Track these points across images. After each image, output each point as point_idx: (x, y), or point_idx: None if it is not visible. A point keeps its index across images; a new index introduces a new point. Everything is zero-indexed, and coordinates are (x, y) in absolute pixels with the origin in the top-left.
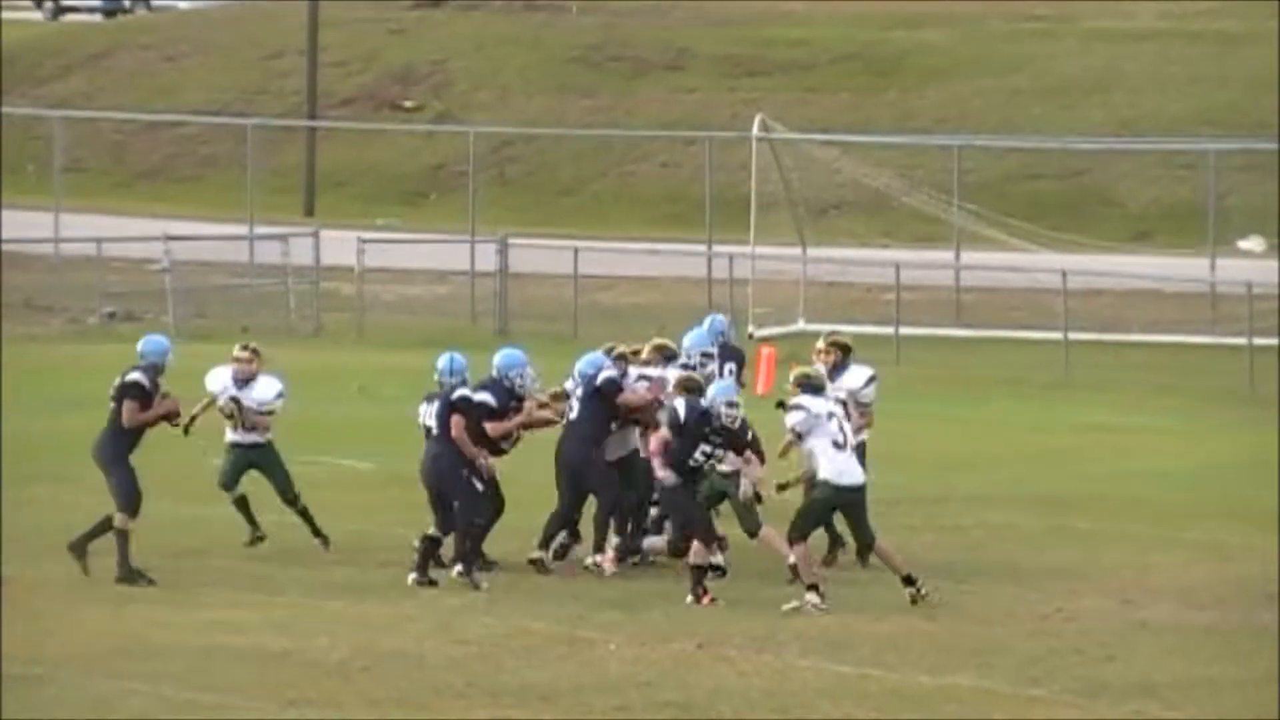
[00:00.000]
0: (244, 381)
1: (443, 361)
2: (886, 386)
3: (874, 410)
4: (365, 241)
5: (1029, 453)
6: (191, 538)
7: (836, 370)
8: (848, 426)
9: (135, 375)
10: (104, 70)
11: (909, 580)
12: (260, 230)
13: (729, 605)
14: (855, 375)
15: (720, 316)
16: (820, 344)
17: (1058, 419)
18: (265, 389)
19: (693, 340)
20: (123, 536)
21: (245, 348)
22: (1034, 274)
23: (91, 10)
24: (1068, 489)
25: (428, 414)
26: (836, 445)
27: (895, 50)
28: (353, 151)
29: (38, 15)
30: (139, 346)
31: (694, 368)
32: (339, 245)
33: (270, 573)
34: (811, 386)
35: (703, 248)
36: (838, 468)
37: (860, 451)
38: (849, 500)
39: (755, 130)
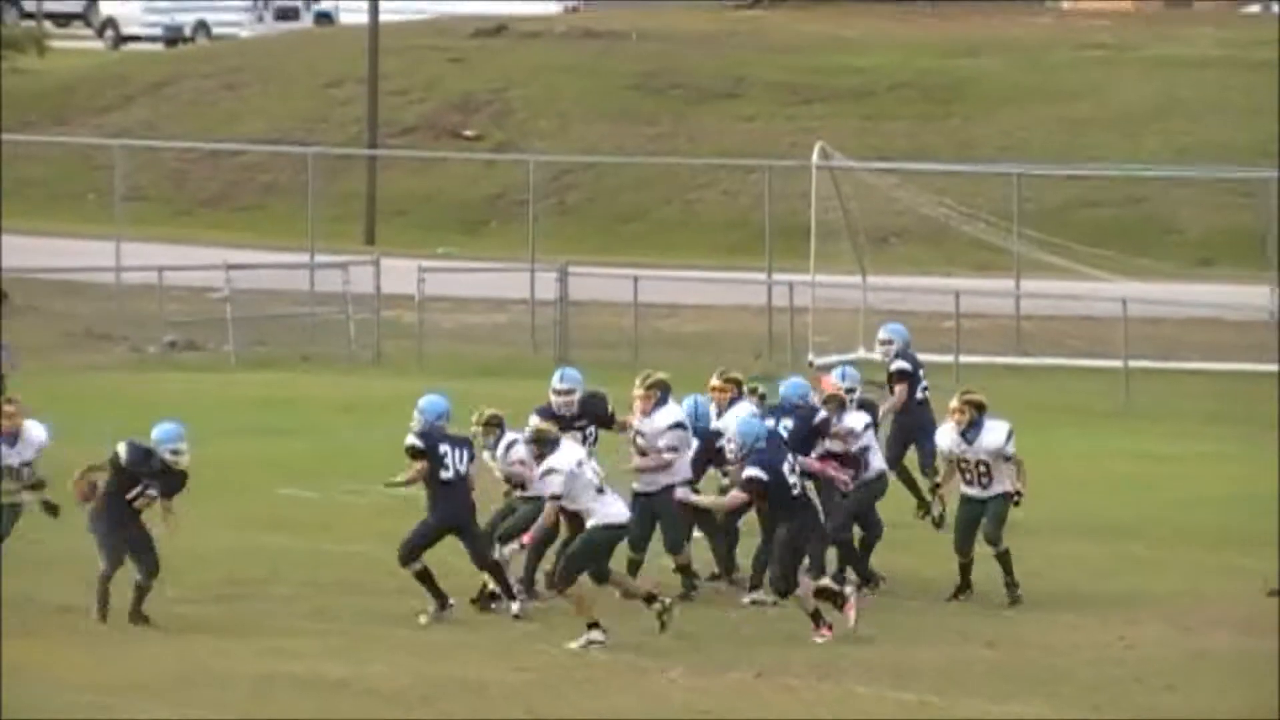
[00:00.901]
0: (11, 438)
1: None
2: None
3: (1019, 459)
4: (425, 270)
5: (1089, 480)
6: (251, 567)
7: (972, 428)
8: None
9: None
10: (165, 99)
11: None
12: (321, 259)
13: (788, 634)
14: (995, 433)
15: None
16: (954, 403)
17: (1117, 447)
18: (28, 443)
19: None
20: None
21: (8, 401)
22: (1094, 302)
23: (152, 40)
24: (1127, 517)
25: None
26: (599, 490)
27: (954, 78)
28: (413, 180)
29: (99, 45)
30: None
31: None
32: (399, 274)
33: (328, 601)
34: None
35: (763, 276)
36: (606, 510)
37: (1001, 504)
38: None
39: (815, 158)
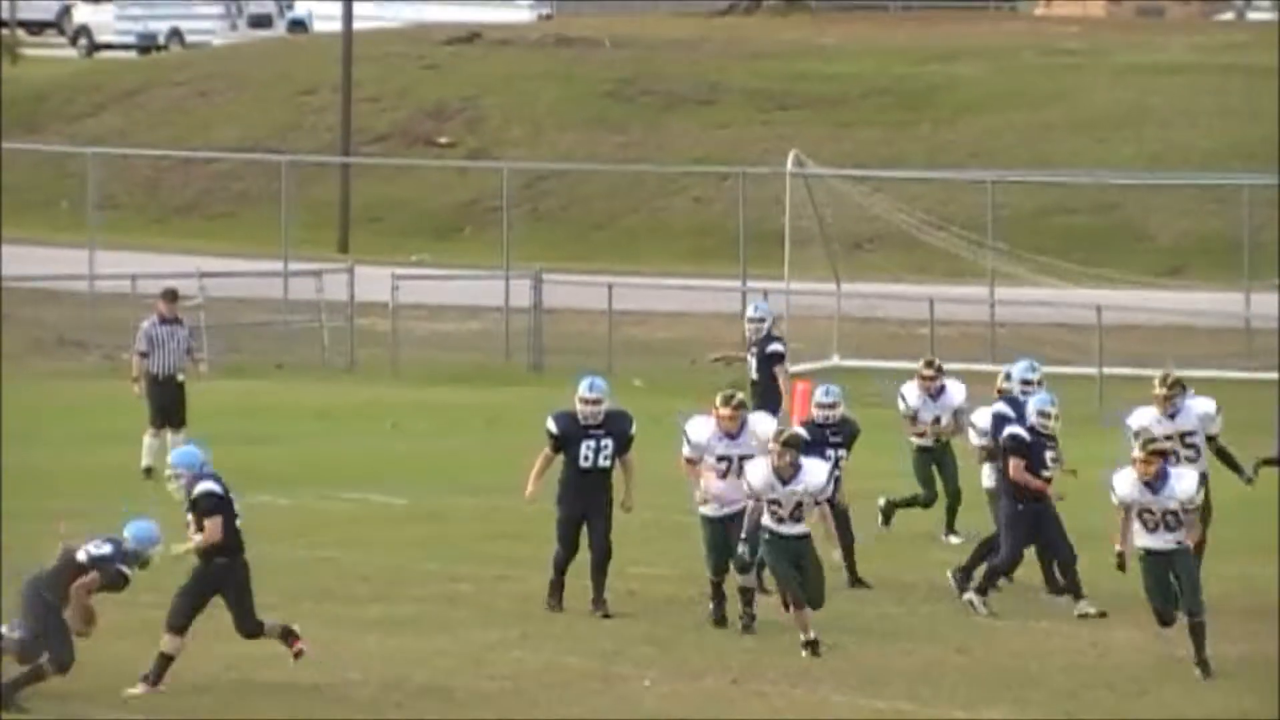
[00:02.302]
0: None
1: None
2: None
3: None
4: (399, 277)
5: (1062, 487)
6: None
7: (1159, 480)
8: None
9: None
10: (138, 107)
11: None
12: (294, 266)
13: (763, 640)
14: (1187, 482)
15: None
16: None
17: (1091, 453)
18: None
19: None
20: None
21: None
22: (1068, 309)
23: (126, 47)
24: (1101, 523)
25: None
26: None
27: (927, 84)
28: (387, 187)
29: (72, 52)
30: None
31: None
32: (373, 281)
33: (301, 608)
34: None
35: (736, 283)
36: None
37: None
38: None
39: (789, 165)
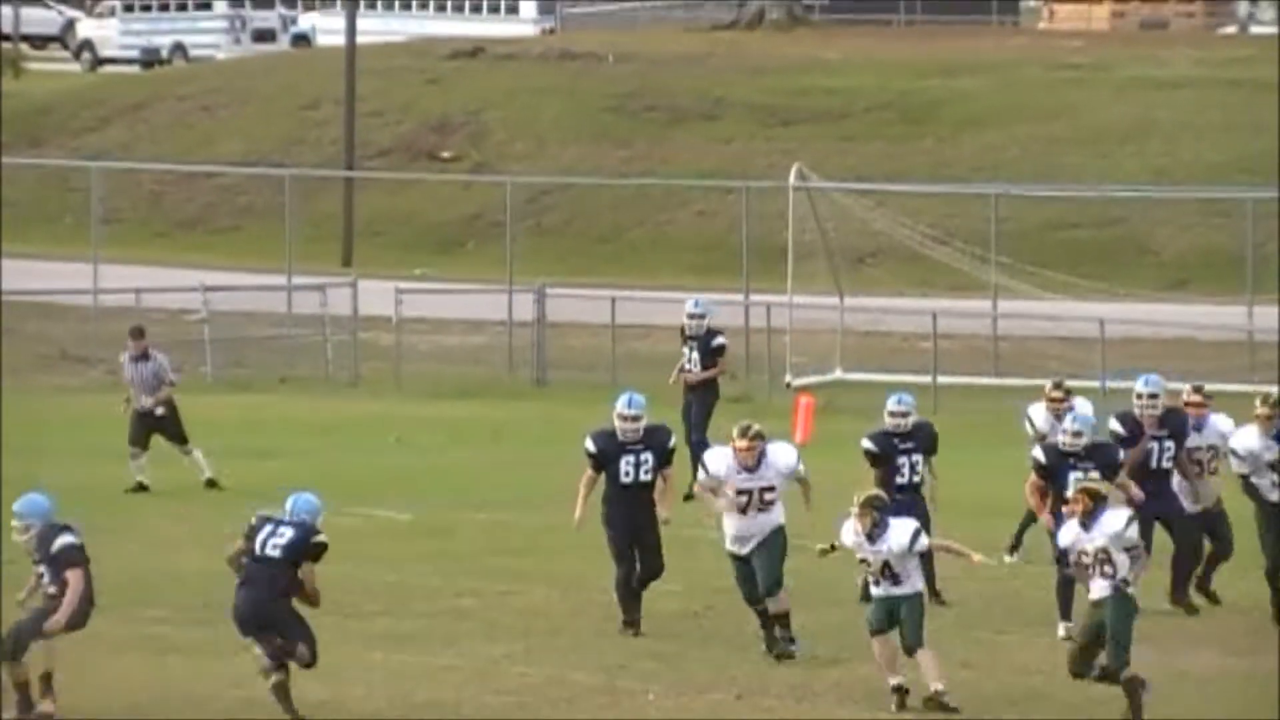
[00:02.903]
0: None
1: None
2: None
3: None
4: (403, 291)
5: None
6: (229, 589)
7: (1090, 518)
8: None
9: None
10: (141, 121)
11: None
12: (298, 280)
13: (768, 655)
14: (1114, 519)
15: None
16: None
17: None
18: None
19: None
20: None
21: None
22: (1071, 322)
23: (129, 62)
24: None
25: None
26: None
27: (930, 99)
28: (390, 201)
29: (75, 67)
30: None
31: None
32: (377, 295)
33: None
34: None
35: (740, 297)
36: None
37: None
38: None
39: (792, 179)
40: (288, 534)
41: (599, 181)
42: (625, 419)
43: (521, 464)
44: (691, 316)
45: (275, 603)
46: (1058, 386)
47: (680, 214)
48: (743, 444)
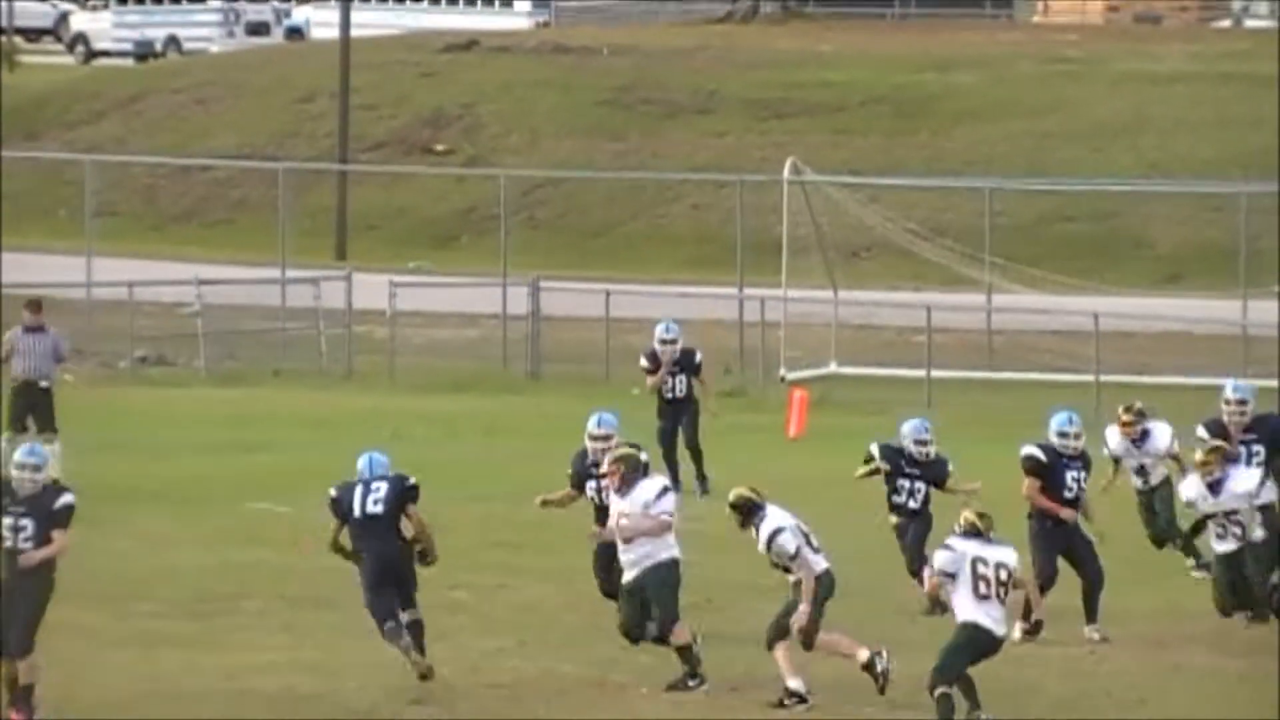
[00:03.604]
0: None
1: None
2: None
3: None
4: (397, 285)
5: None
6: (222, 582)
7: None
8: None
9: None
10: (135, 114)
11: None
12: (292, 274)
13: (763, 648)
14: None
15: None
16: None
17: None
18: None
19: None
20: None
21: None
22: (1065, 316)
23: (123, 55)
24: (1100, 531)
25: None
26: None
27: (925, 93)
28: (384, 195)
29: (69, 60)
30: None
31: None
32: (371, 289)
33: (300, 616)
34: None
35: (734, 290)
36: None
37: None
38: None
39: (786, 173)
40: (382, 488)
41: (593, 175)
42: (595, 439)
43: (515, 458)
44: (666, 343)
45: (400, 550)
46: (1129, 409)
47: (674, 208)
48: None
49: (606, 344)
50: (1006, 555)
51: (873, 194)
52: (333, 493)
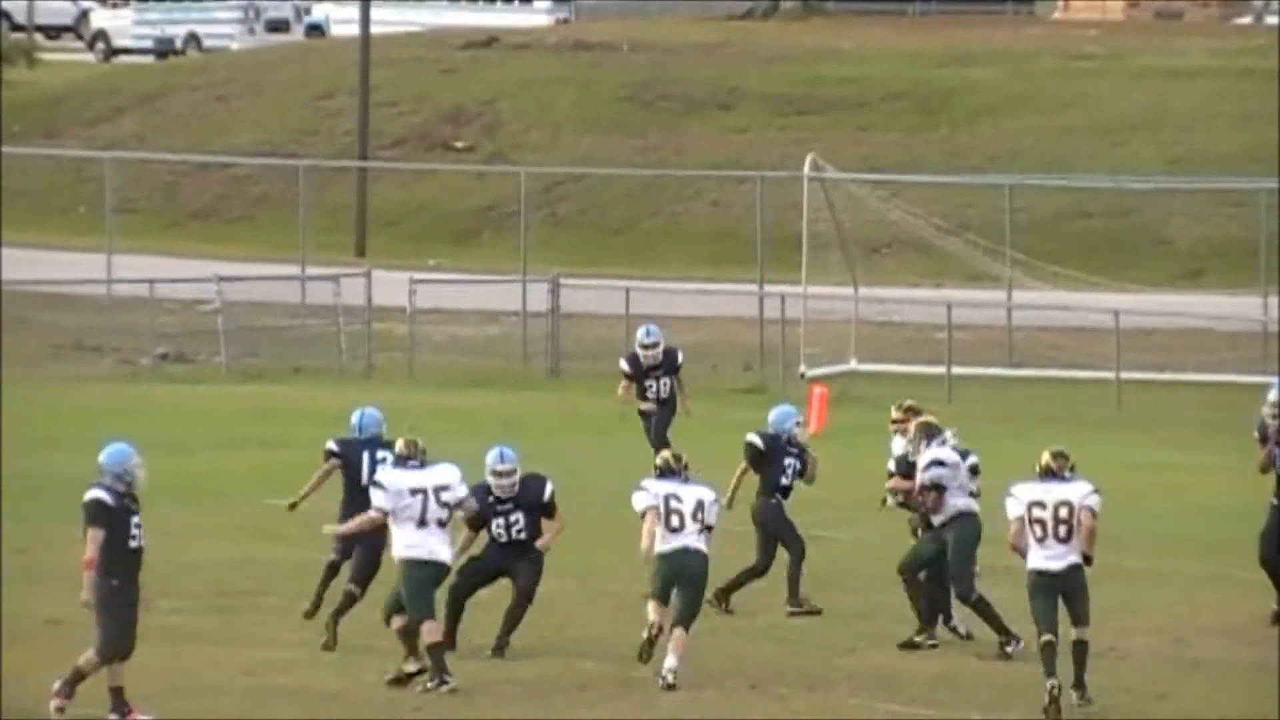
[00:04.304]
0: None
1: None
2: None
3: None
4: (417, 282)
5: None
6: (242, 578)
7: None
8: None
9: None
10: (155, 111)
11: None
12: (312, 270)
13: (781, 644)
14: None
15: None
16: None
17: (1109, 457)
18: None
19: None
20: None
21: None
22: (1086, 313)
23: (143, 52)
24: (1119, 527)
25: None
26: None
27: (945, 88)
28: (404, 191)
29: (90, 57)
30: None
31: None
32: (391, 285)
33: (319, 612)
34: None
35: (754, 287)
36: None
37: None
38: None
39: (807, 169)
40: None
41: (613, 172)
42: (499, 474)
43: (534, 454)
44: (648, 347)
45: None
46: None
47: (694, 204)
48: None
49: (626, 341)
50: (1068, 492)
51: (893, 190)
52: (332, 445)
